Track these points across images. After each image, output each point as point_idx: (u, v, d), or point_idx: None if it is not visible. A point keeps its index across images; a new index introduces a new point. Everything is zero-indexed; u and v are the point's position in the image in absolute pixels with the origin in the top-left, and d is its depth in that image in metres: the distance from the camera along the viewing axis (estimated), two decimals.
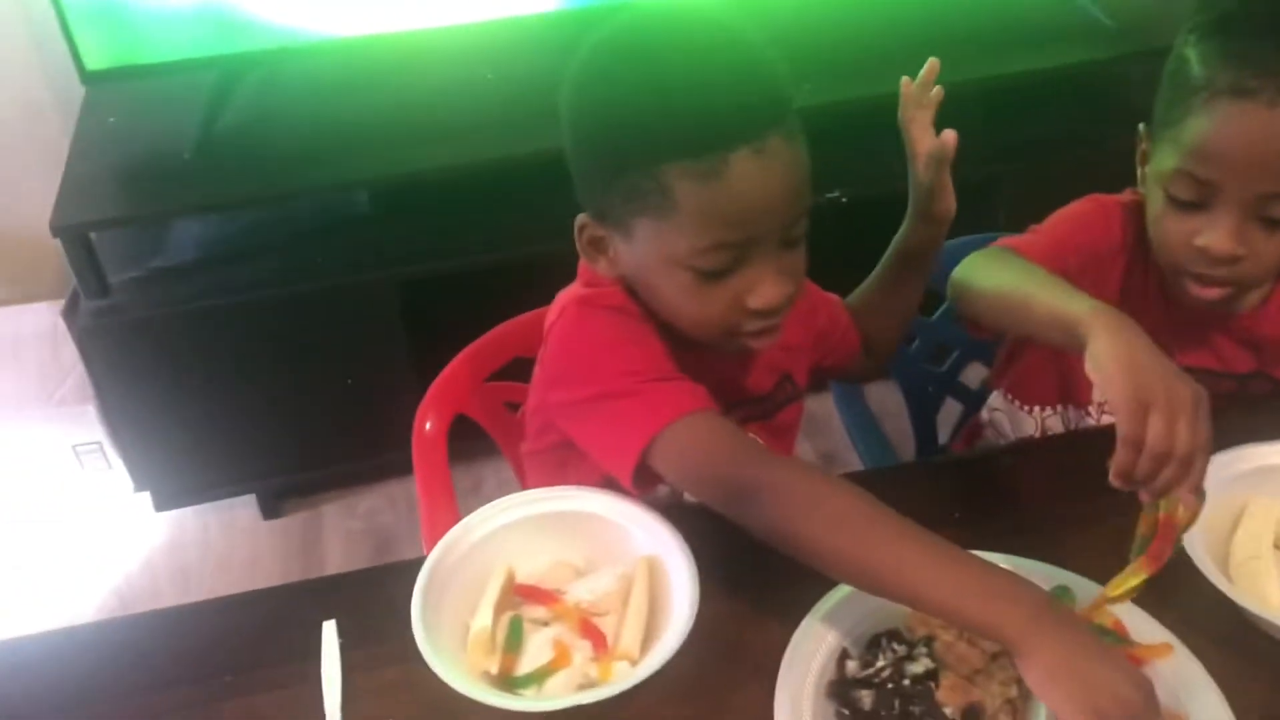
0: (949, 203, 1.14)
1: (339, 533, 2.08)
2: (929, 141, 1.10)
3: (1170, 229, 1.07)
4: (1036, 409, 1.29)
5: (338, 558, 2.04)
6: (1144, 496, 0.87)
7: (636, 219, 0.94)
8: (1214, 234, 1.03)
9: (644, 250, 0.96)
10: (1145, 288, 1.19)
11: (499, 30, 1.87)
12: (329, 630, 0.96)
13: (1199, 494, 0.86)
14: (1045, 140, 2.19)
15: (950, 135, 1.08)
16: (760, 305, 0.96)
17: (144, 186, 1.90)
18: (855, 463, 1.48)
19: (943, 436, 1.57)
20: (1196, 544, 0.93)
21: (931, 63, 1.11)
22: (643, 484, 0.96)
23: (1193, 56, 1.03)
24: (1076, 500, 1.05)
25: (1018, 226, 1.24)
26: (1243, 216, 1.02)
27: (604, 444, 0.98)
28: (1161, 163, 1.06)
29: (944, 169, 1.11)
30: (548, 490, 1.02)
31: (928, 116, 1.11)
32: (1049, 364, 1.26)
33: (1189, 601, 0.92)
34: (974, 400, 1.50)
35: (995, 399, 1.35)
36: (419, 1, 1.85)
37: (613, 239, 0.99)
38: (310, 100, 2.00)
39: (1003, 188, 2.08)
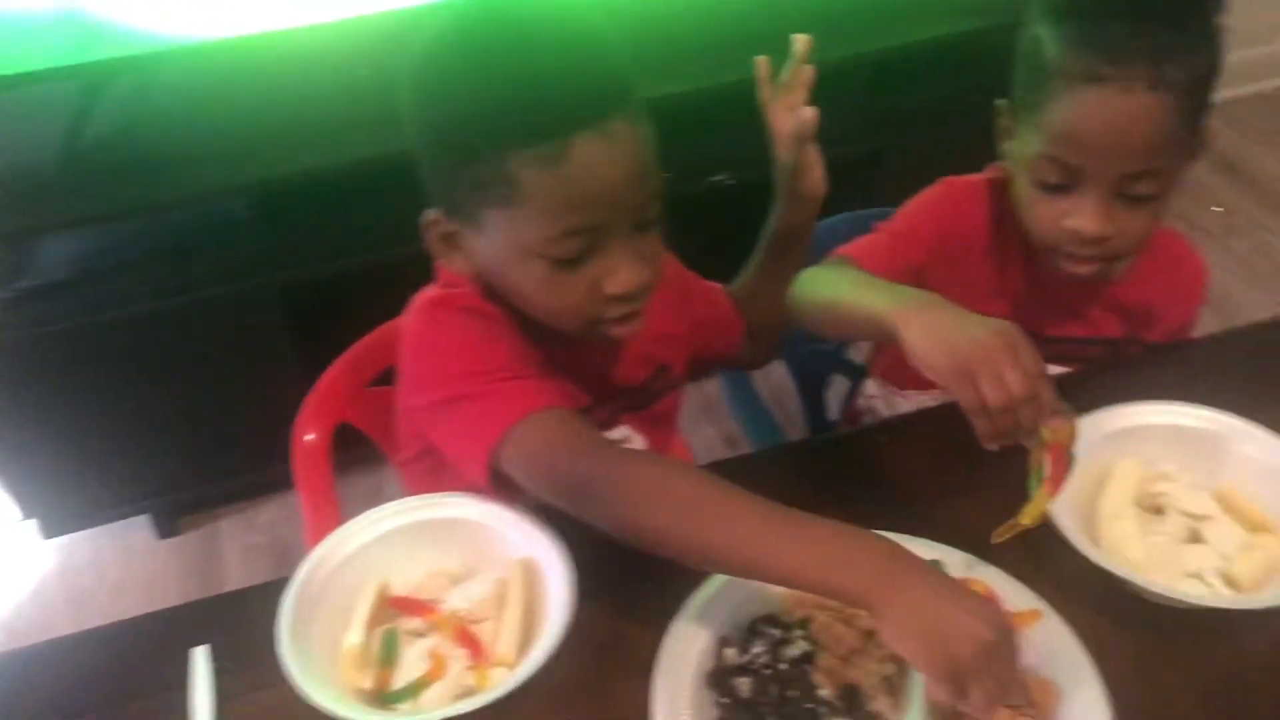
0: (815, 182, 1.13)
1: (238, 548, 2.03)
2: (789, 121, 1.10)
3: (1040, 212, 1.09)
4: (912, 392, 1.30)
5: (239, 573, 1.99)
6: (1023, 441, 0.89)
7: (485, 210, 0.93)
8: (1083, 217, 1.05)
9: (496, 242, 0.94)
10: (1011, 262, 1.21)
11: (372, 26, 1.82)
12: (200, 656, 0.93)
13: (1064, 413, 0.88)
14: (925, 111, 2.21)
15: (808, 113, 1.08)
16: (618, 290, 0.94)
17: (9, 203, 1.83)
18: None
19: (835, 412, 1.59)
20: (1063, 507, 0.94)
21: (802, 40, 1.10)
22: (501, 487, 0.94)
23: (1047, 38, 1.04)
24: (950, 473, 1.07)
25: (900, 199, 1.24)
26: (1108, 197, 1.04)
27: (457, 448, 0.96)
28: (1026, 146, 1.08)
29: (805, 148, 1.11)
30: (419, 499, 1.00)
31: (794, 97, 1.11)
32: None
33: (1057, 567, 0.94)
34: (861, 375, 1.51)
35: (871, 385, 1.36)
36: (288, 0, 1.81)
37: (464, 233, 0.97)
38: (179, 106, 1.94)
39: (884, 161, 2.09)
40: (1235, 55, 3.26)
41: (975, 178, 1.22)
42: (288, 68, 1.92)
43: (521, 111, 0.86)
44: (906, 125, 2.18)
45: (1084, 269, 1.10)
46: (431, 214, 0.97)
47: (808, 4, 2.06)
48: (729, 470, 1.09)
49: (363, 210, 1.90)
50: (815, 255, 1.45)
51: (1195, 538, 0.97)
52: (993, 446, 0.87)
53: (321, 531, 1.01)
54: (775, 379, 1.77)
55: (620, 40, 0.92)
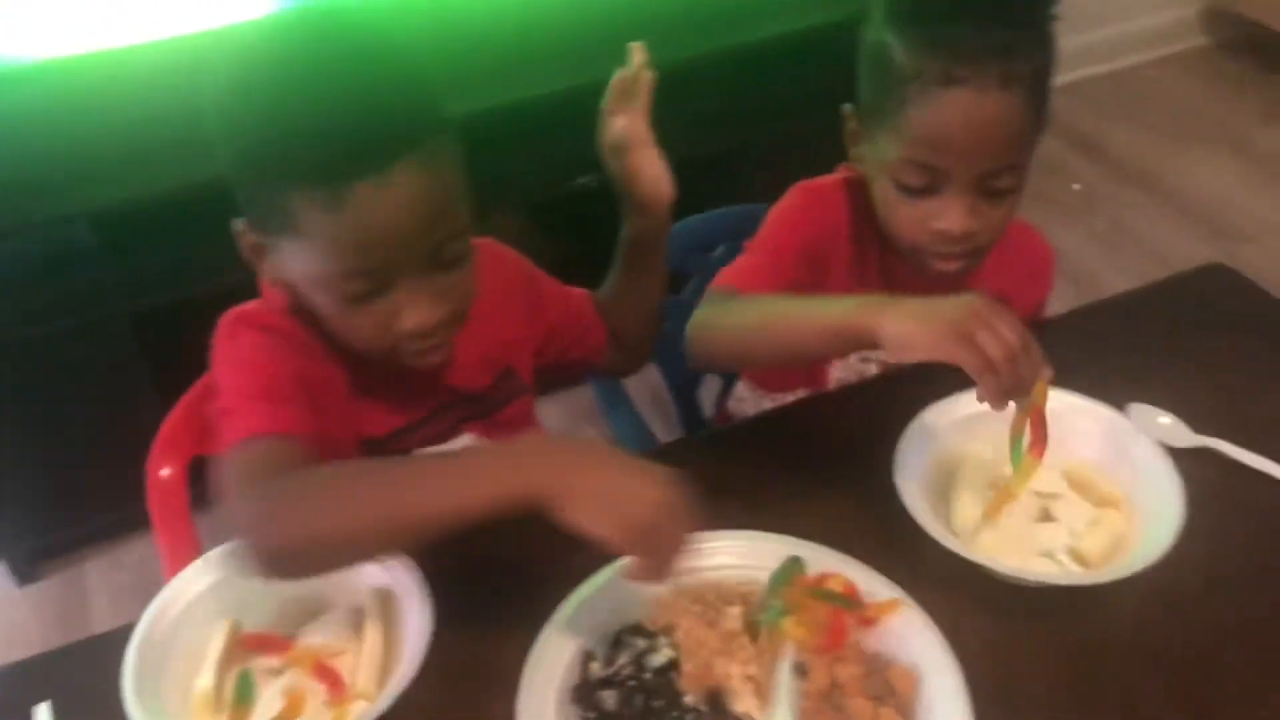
0: (652, 190, 1.12)
1: (106, 590, 1.95)
2: (608, 127, 1.09)
3: (904, 215, 1.10)
4: (777, 394, 1.31)
5: (108, 617, 1.90)
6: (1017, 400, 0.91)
7: (276, 236, 0.91)
8: (950, 217, 1.06)
9: (289, 267, 0.93)
10: (867, 261, 1.22)
11: (215, 41, 1.77)
12: (41, 714, 0.89)
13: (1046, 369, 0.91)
14: (792, 104, 2.23)
15: (619, 122, 1.07)
16: (410, 328, 0.93)
17: None
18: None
19: (709, 411, 1.59)
20: (916, 495, 0.96)
21: (635, 49, 1.09)
22: None
23: (894, 45, 1.05)
24: (813, 469, 1.07)
25: (773, 193, 1.24)
26: (972, 195, 1.06)
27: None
28: (884, 152, 1.08)
29: (630, 157, 1.09)
30: None
31: (635, 105, 1.09)
32: None
33: (914, 555, 0.95)
34: (733, 378, 1.52)
35: (740, 388, 1.37)
36: (127, 16, 1.74)
37: (267, 248, 0.94)
38: (15, 130, 1.85)
39: (754, 154, 2.11)
40: (1089, 36, 3.39)
41: (829, 179, 1.23)
42: (129, 87, 1.84)
43: (302, 153, 0.84)
44: (771, 119, 2.19)
45: (952, 266, 1.12)
46: (239, 224, 0.94)
47: (673, 4, 2.07)
48: None
49: (216, 233, 1.83)
50: (685, 254, 1.46)
51: (1046, 516, 0.99)
52: (998, 406, 0.89)
53: (179, 566, 0.97)
54: (651, 381, 1.77)
55: (425, 74, 0.90)
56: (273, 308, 1.00)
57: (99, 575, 1.98)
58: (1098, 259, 2.56)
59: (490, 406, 1.14)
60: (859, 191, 1.19)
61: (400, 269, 0.90)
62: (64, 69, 1.76)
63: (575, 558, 0.95)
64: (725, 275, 1.16)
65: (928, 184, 1.07)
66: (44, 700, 0.90)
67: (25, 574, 1.98)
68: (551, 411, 2.16)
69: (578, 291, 1.24)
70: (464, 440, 1.13)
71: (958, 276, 1.19)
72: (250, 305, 1.02)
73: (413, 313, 0.92)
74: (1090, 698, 0.89)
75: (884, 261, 1.21)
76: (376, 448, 1.06)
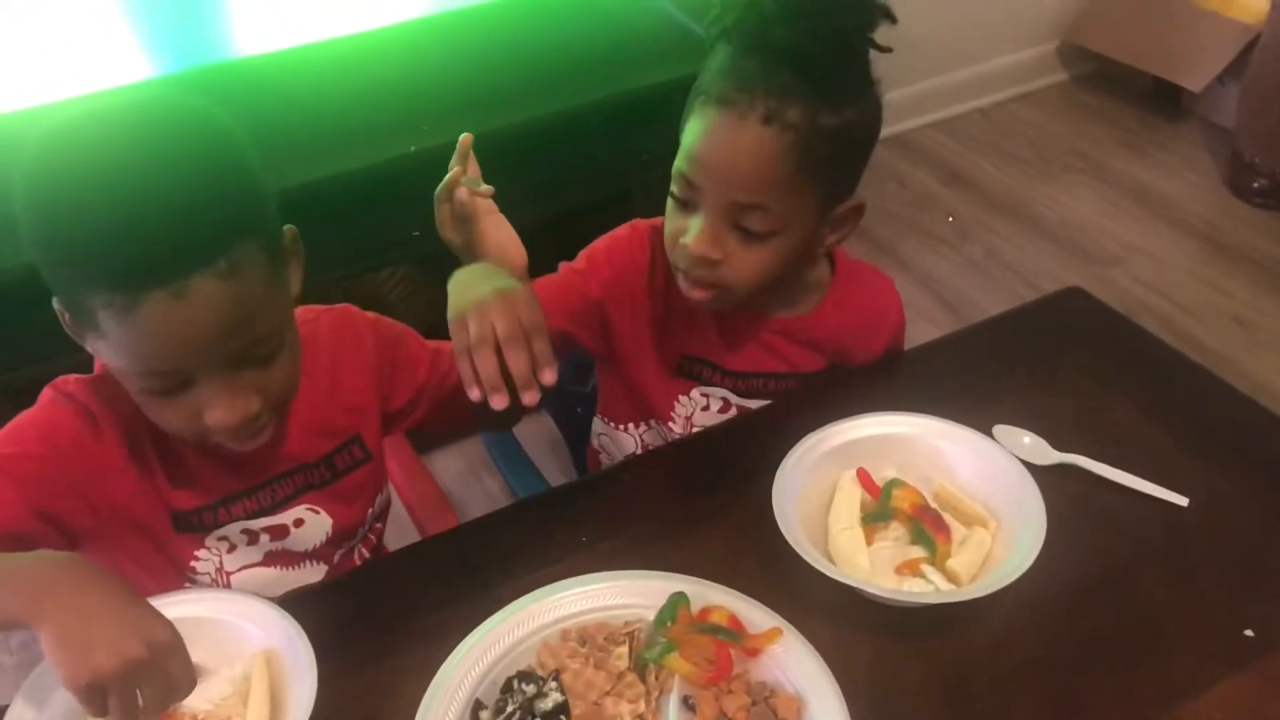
0: (498, 253, 1.15)
1: None
2: (445, 210, 1.13)
3: (670, 226, 1.12)
4: (630, 425, 1.33)
5: None
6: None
7: (82, 330, 0.90)
8: (693, 235, 1.07)
9: (98, 352, 0.92)
10: (673, 300, 1.22)
11: (36, 120, 1.72)
12: None
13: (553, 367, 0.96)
14: (670, 149, 2.27)
15: (463, 192, 1.11)
16: (215, 424, 0.92)
17: None
18: None
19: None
20: (793, 525, 0.98)
21: (464, 140, 1.12)
22: None
23: (714, 56, 1.08)
24: (693, 505, 1.10)
25: None
26: (720, 222, 1.06)
27: None
28: (675, 161, 1.10)
29: (473, 225, 1.13)
30: (154, 600, 0.95)
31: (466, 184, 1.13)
32: (620, 386, 1.31)
33: (795, 584, 0.98)
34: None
35: (598, 424, 1.39)
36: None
37: (81, 332, 0.92)
38: None
39: (634, 199, 2.14)
40: (955, 75, 3.53)
41: (659, 220, 1.23)
42: None
43: (91, 260, 0.82)
44: (656, 163, 2.22)
45: (697, 294, 1.12)
46: (56, 303, 0.92)
47: (546, 58, 2.10)
48: (493, 523, 1.12)
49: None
50: None
51: (918, 539, 1.03)
52: (475, 395, 0.94)
53: None
54: (547, 429, 1.78)
55: (239, 179, 0.88)
56: (93, 377, 1.01)
57: None
58: (973, 286, 2.66)
59: (330, 476, 1.13)
60: None
61: (199, 372, 0.90)
62: None
63: (458, 607, 0.97)
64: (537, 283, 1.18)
65: (687, 198, 1.08)
66: None
67: None
68: (450, 461, 2.16)
69: (448, 346, 1.24)
70: (298, 511, 1.11)
71: (779, 319, 1.24)
72: (75, 375, 1.02)
73: (216, 412, 0.91)
74: (967, 708, 0.92)
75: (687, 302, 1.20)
76: (188, 518, 1.05)
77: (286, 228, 0.98)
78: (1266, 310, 2.56)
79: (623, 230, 1.26)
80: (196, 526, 1.06)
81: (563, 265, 1.23)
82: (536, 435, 1.55)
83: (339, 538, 1.15)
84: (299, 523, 1.11)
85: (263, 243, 0.90)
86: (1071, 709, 0.92)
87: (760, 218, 1.05)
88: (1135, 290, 2.58)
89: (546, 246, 1.24)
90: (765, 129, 1.01)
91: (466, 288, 0.98)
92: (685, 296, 1.14)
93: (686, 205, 1.09)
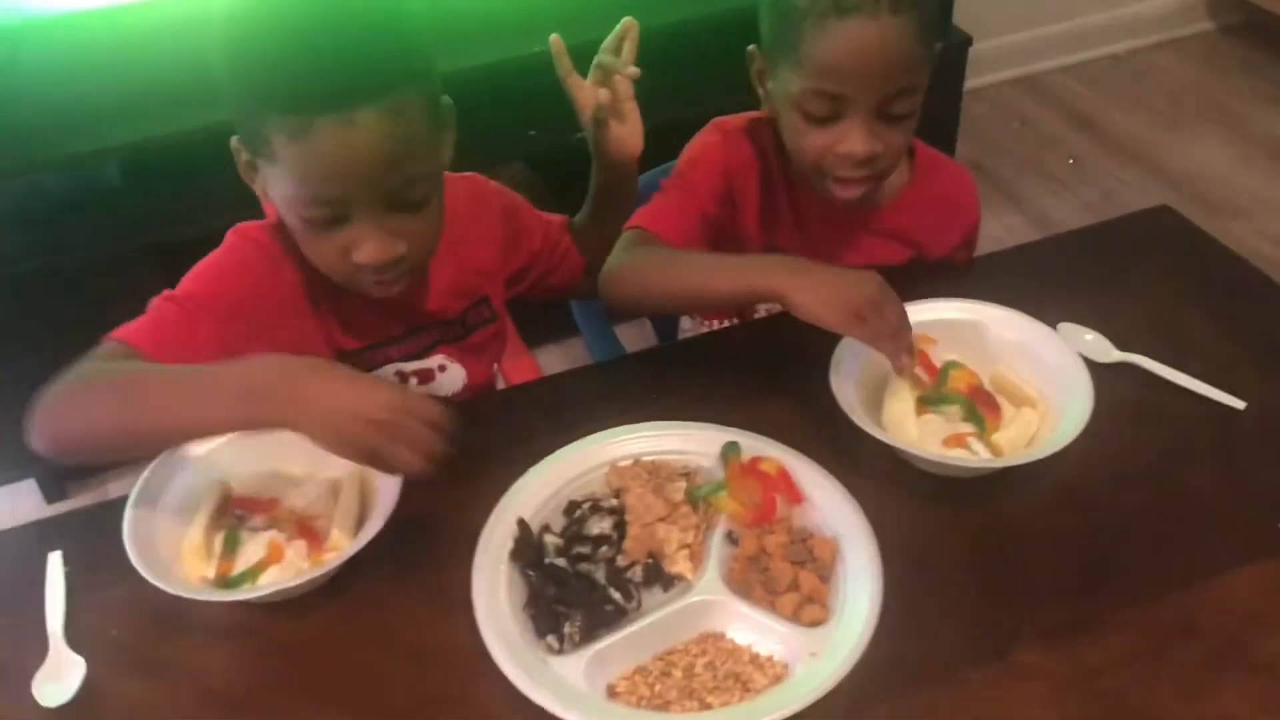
0: (622, 149, 1.22)
1: None
2: (589, 98, 1.19)
3: (810, 143, 1.16)
4: (715, 323, 1.39)
5: None
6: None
7: (258, 158, 1.00)
8: (853, 141, 1.12)
9: (269, 186, 1.03)
10: (777, 197, 1.29)
11: None
12: (54, 560, 1.00)
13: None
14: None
15: (604, 95, 1.17)
16: (364, 261, 1.01)
17: None
18: None
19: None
20: (848, 395, 1.04)
21: (626, 23, 1.18)
22: None
23: None
24: (756, 376, 1.16)
25: None
26: (872, 119, 1.12)
27: None
28: (788, 85, 1.14)
29: (605, 126, 1.20)
30: None
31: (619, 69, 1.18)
32: None
33: (849, 448, 1.04)
34: None
35: (684, 320, 1.45)
36: None
37: (256, 167, 1.03)
38: (44, 74, 1.96)
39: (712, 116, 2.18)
40: (1090, 18, 3.42)
41: (743, 116, 1.30)
42: (153, 36, 1.94)
43: (275, 85, 0.93)
44: (730, 89, 2.25)
45: (854, 191, 1.18)
46: (234, 141, 1.03)
47: None
48: (575, 377, 1.24)
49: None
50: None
51: (969, 417, 1.08)
52: (906, 375, 1.05)
53: None
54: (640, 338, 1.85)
55: (407, 31, 0.98)
56: (269, 223, 1.11)
57: (121, 492, 2.07)
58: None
59: (461, 332, 1.24)
60: (769, 130, 1.25)
61: (357, 205, 0.98)
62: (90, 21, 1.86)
63: (533, 445, 1.06)
64: (639, 215, 1.22)
65: (831, 111, 1.12)
66: (56, 550, 1.00)
67: (54, 492, 2.10)
68: (550, 357, 2.26)
69: (557, 219, 1.33)
70: (436, 360, 1.22)
71: (868, 212, 1.28)
72: (256, 221, 1.13)
73: (367, 247, 1.00)
74: (993, 569, 0.98)
75: (793, 197, 1.28)
76: (351, 357, 1.16)
77: (445, 99, 1.07)
78: None
79: (713, 135, 1.29)
80: (359, 364, 1.16)
81: (665, 183, 1.26)
82: (629, 328, 1.62)
83: (470, 388, 1.26)
84: (442, 369, 1.23)
85: (425, 95, 0.99)
86: (1098, 581, 0.96)
87: (905, 100, 1.11)
88: (1254, 241, 2.53)
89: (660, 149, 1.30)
90: (894, 19, 1.06)
91: (834, 281, 1.03)
92: (837, 197, 1.19)
93: (826, 119, 1.13)
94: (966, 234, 1.34)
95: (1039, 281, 1.26)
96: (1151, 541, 0.99)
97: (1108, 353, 1.16)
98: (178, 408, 0.94)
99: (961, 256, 1.36)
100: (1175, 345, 1.17)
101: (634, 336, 1.64)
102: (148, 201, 1.98)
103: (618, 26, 1.18)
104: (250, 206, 1.11)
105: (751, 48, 1.21)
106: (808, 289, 1.01)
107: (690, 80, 2.11)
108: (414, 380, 1.22)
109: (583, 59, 1.23)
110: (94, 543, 1.00)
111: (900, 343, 1.02)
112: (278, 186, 1.01)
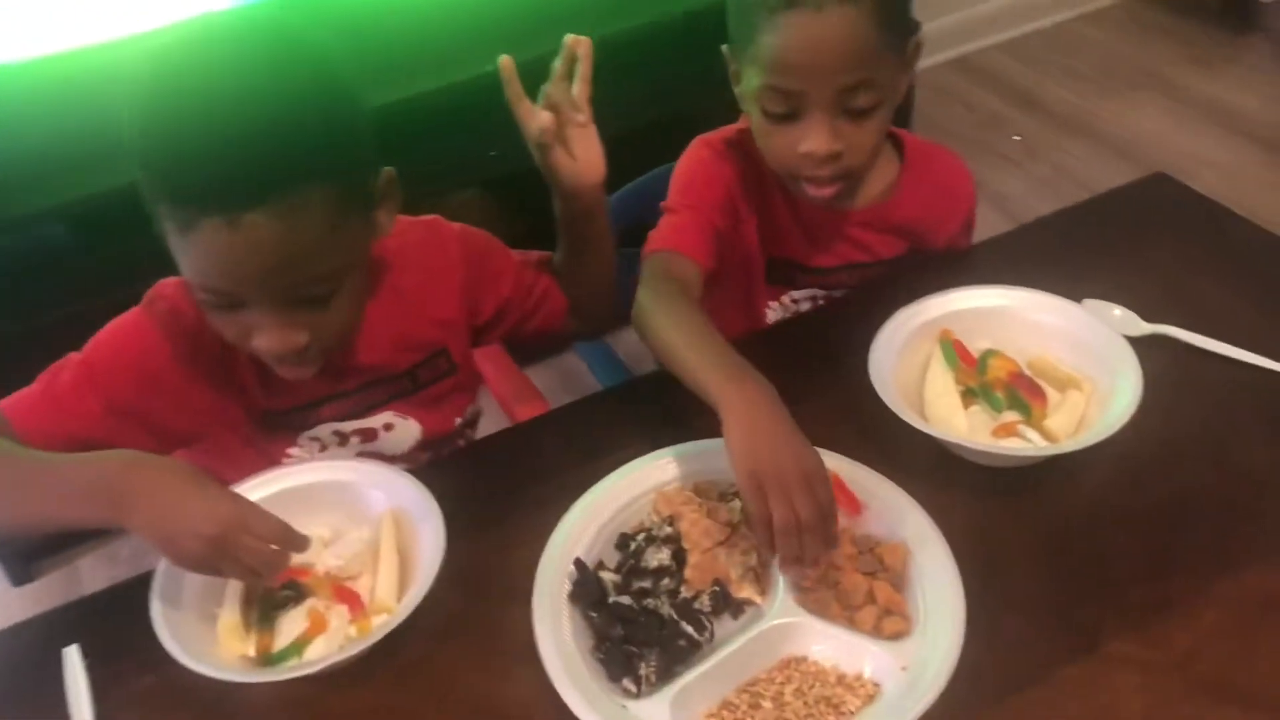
0: (573, 179, 1.11)
1: (103, 584, 1.95)
2: (532, 124, 1.07)
3: (774, 143, 1.12)
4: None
5: None
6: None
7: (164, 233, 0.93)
8: (812, 139, 1.08)
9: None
10: (776, 208, 1.25)
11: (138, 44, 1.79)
12: (71, 654, 0.92)
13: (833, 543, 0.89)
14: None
15: (545, 118, 1.05)
16: (262, 349, 0.95)
17: None
18: None
19: None
20: (893, 393, 1.01)
21: (572, 42, 1.06)
22: None
23: None
24: (791, 381, 1.09)
25: None
26: (831, 115, 1.07)
27: None
28: (749, 82, 1.10)
29: (550, 152, 1.08)
30: (279, 470, 1.01)
31: (571, 89, 1.08)
32: (712, 300, 1.23)
33: (895, 446, 1.01)
34: None
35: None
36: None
37: None
38: None
39: (695, 121, 2.15)
40: None
41: (726, 131, 1.25)
42: (101, 85, 1.85)
43: (162, 175, 0.86)
44: (711, 86, 2.23)
45: (826, 191, 1.13)
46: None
47: None
48: (599, 402, 1.19)
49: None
50: (647, 210, 1.51)
51: (1014, 404, 1.05)
52: (787, 571, 0.90)
53: None
54: (633, 343, 1.81)
55: (329, 117, 0.89)
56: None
57: (94, 572, 1.99)
58: (1046, 204, 2.62)
59: (412, 387, 1.16)
60: (750, 138, 1.19)
61: (251, 300, 0.92)
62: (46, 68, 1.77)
63: (567, 476, 1.01)
64: (656, 239, 1.17)
65: (789, 109, 1.08)
66: (72, 643, 0.93)
67: (20, 574, 1.99)
68: (544, 374, 2.20)
69: (534, 257, 1.24)
70: (384, 417, 1.15)
71: (862, 209, 1.24)
72: (175, 279, 1.04)
73: (265, 338, 0.94)
74: (1064, 559, 0.95)
75: (789, 201, 1.24)
76: (279, 419, 1.10)
77: (385, 170, 0.99)
78: None
79: (702, 151, 1.25)
80: (288, 426, 1.10)
81: (668, 206, 1.20)
82: (629, 344, 1.57)
83: (428, 444, 1.19)
84: (388, 427, 1.15)
85: (336, 188, 0.90)
86: (1168, 563, 0.94)
87: (867, 93, 1.06)
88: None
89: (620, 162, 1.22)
90: (843, 6, 1.02)
91: (768, 434, 0.89)
92: (811, 198, 1.15)
93: (786, 116, 1.09)
94: (966, 220, 1.32)
95: (1052, 260, 1.24)
96: (1217, 515, 0.97)
97: (1137, 326, 1.14)
98: (23, 501, 0.92)
99: (962, 243, 1.34)
100: (1200, 313, 1.16)
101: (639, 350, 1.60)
102: (96, 260, 1.88)
103: (564, 46, 1.06)
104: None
105: (724, 48, 1.16)
106: (742, 426, 0.90)
107: (658, 85, 2.07)
108: (355, 439, 1.14)
109: (542, 74, 1.13)
110: (113, 631, 0.94)
111: (794, 545, 0.86)
112: (182, 267, 0.93)
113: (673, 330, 1.03)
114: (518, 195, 2.10)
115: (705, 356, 0.98)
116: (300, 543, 0.89)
